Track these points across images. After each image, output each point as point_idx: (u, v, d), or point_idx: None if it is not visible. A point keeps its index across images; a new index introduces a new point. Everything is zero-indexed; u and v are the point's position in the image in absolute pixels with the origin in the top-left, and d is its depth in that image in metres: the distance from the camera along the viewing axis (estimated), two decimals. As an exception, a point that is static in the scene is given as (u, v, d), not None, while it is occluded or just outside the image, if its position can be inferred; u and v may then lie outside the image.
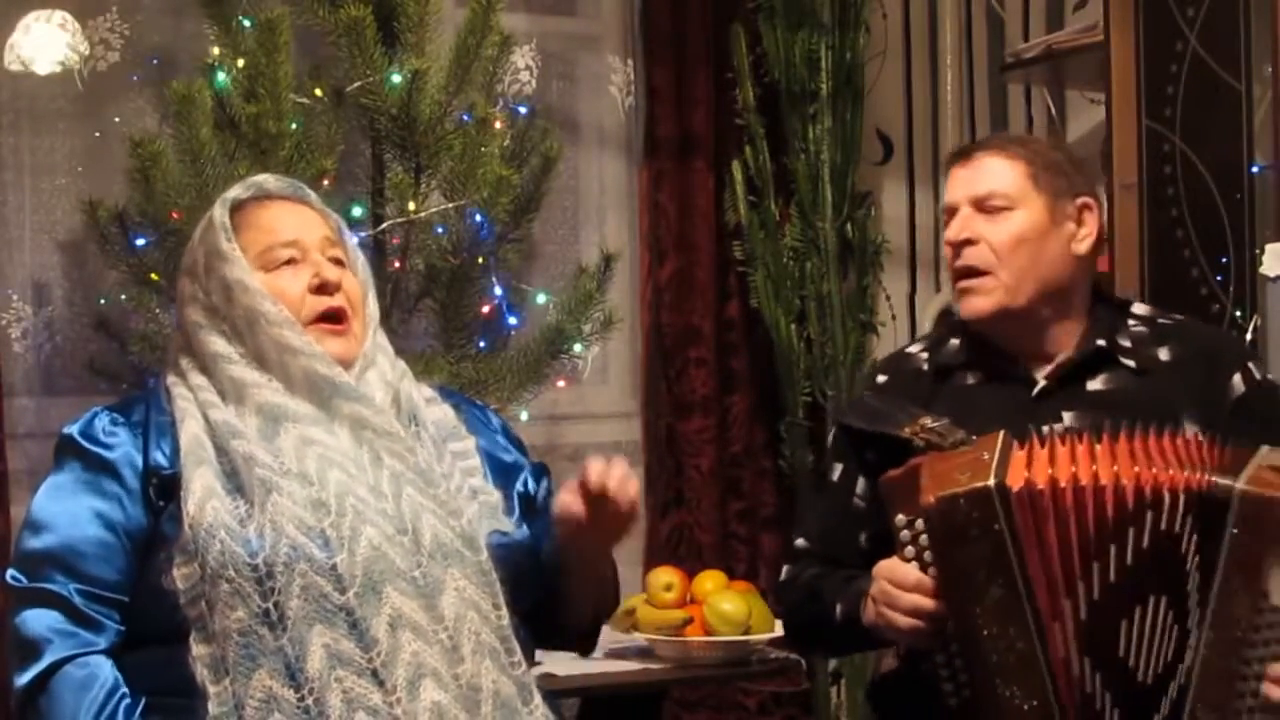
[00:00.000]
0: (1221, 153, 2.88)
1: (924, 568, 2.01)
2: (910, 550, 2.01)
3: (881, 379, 2.39)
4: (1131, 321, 2.29)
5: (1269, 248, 2.71)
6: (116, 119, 3.46)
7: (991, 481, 1.95)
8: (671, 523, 3.93)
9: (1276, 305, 2.69)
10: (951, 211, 2.29)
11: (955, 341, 2.34)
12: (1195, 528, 1.92)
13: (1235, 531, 1.89)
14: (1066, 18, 3.65)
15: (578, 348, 3.36)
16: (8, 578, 1.97)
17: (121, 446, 2.00)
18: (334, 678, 1.83)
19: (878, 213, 4.07)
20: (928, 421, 2.13)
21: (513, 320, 3.29)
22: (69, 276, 3.47)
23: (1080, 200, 2.29)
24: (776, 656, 2.97)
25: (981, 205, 2.26)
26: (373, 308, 2.11)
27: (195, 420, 1.98)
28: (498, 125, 3.23)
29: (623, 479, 1.99)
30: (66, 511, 1.97)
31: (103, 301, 3.36)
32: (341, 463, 1.95)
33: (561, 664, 2.76)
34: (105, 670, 1.91)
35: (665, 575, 2.96)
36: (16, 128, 3.46)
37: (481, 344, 3.25)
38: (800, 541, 2.39)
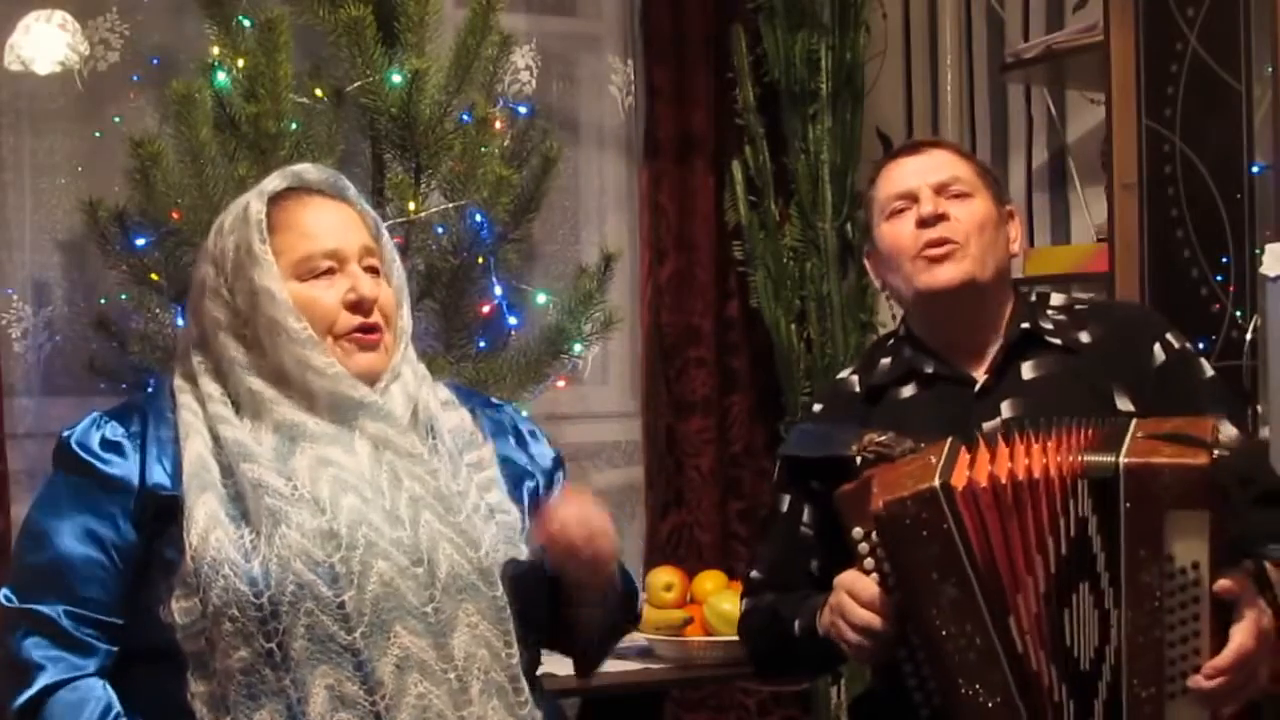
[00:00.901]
0: (1221, 153, 2.88)
1: (884, 578, 2.02)
2: (870, 562, 2.03)
3: (818, 407, 2.42)
4: (1050, 310, 2.34)
5: (1269, 248, 2.71)
6: (116, 119, 3.46)
7: (936, 482, 1.96)
8: (671, 523, 3.94)
9: (1276, 305, 2.69)
10: (909, 196, 2.31)
11: (885, 360, 2.37)
12: (1094, 509, 1.94)
13: (1128, 505, 1.91)
14: (1066, 18, 3.65)
15: (578, 348, 3.36)
16: (0, 597, 1.91)
17: (119, 462, 1.92)
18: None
19: (878, 213, 4.07)
20: (875, 436, 2.15)
21: (513, 320, 3.29)
22: (69, 276, 3.47)
23: (1008, 207, 2.38)
24: (776, 656, 2.97)
25: (943, 190, 2.30)
26: (406, 320, 2.05)
27: (200, 437, 1.91)
28: (498, 125, 3.23)
29: (579, 521, 1.93)
30: (58, 528, 1.90)
31: (103, 301, 3.36)
32: (357, 485, 1.88)
33: (562, 664, 2.76)
34: (98, 691, 1.86)
35: (665, 575, 2.97)
36: (16, 128, 3.46)
37: (481, 344, 3.25)
38: (754, 574, 2.41)
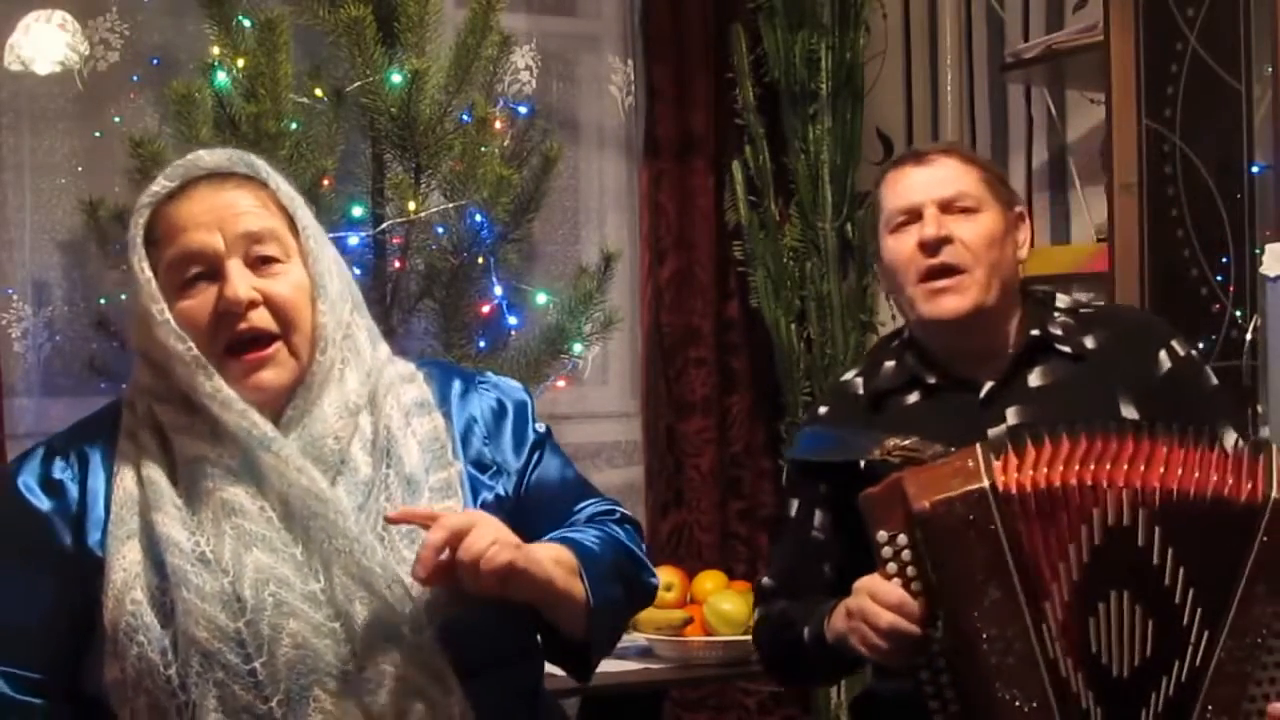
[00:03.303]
0: (1221, 153, 2.88)
1: (906, 584, 2.00)
2: (893, 566, 2.00)
3: (823, 410, 2.39)
4: (1056, 313, 2.31)
5: (1269, 248, 2.71)
6: (116, 119, 3.46)
7: (985, 483, 1.94)
8: (671, 523, 3.94)
9: (1276, 305, 2.69)
10: (913, 211, 2.27)
11: (890, 364, 2.34)
12: (1168, 527, 1.92)
13: (1265, 539, 1.89)
14: (1066, 18, 3.65)
15: (578, 348, 3.36)
16: None
17: (60, 513, 1.77)
18: None
19: (878, 213, 4.07)
20: (898, 440, 2.12)
21: (513, 320, 3.29)
22: (69, 276, 3.47)
23: (1018, 209, 2.35)
24: (776, 656, 2.97)
25: (949, 206, 2.26)
26: (334, 312, 1.79)
27: (130, 470, 1.76)
28: (498, 125, 3.23)
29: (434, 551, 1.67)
30: (3, 584, 1.77)
31: (103, 301, 3.36)
32: (264, 535, 1.71)
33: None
34: None
35: (665, 575, 2.97)
36: (16, 128, 3.46)
37: (481, 344, 3.25)
38: (766, 581, 2.39)
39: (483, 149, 3.17)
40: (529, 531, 1.81)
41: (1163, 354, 2.26)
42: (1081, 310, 2.34)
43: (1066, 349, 2.27)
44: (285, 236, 1.78)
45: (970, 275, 2.24)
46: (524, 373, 3.25)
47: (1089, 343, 2.28)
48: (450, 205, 3.16)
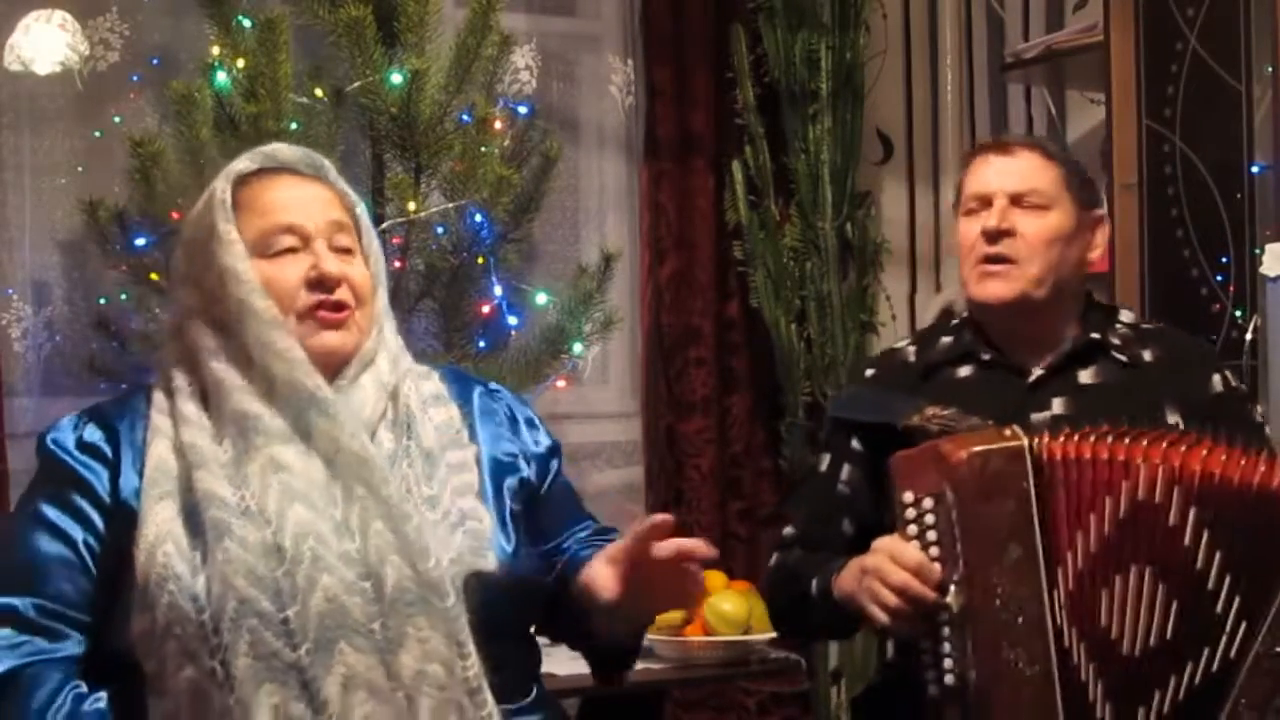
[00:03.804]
0: (1221, 153, 2.88)
1: (924, 548, 2.02)
2: (913, 529, 2.04)
3: (870, 372, 2.45)
4: (1119, 325, 2.37)
5: (1269, 248, 2.71)
6: (116, 119, 3.46)
7: (1025, 442, 2.00)
8: (671, 523, 3.93)
9: (1276, 305, 2.69)
10: (984, 199, 2.34)
11: (946, 339, 2.40)
12: (1206, 511, 1.93)
13: None
14: (1066, 18, 3.65)
15: (578, 348, 3.36)
16: None
17: (95, 467, 1.89)
18: None
19: (878, 213, 4.07)
20: (938, 410, 2.17)
21: (513, 320, 3.28)
22: (69, 276, 3.47)
23: (1098, 213, 2.40)
24: (776, 656, 2.97)
25: (1019, 200, 2.33)
26: (381, 304, 1.98)
27: (166, 440, 1.87)
28: (498, 125, 3.23)
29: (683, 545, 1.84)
30: (31, 528, 1.87)
31: (103, 301, 3.36)
32: (307, 493, 1.82)
33: (561, 664, 2.75)
34: (58, 668, 1.80)
35: (665, 575, 2.96)
36: (16, 128, 3.45)
37: (481, 344, 3.25)
38: (787, 530, 2.44)
39: (483, 149, 3.17)
40: (536, 529, 2.01)
41: (1216, 377, 2.32)
42: (1143, 326, 2.40)
43: (1122, 357, 2.32)
44: (353, 233, 1.97)
45: (1021, 268, 2.30)
46: (524, 373, 3.25)
47: (1146, 355, 2.33)
48: (450, 205, 3.16)
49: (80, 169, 3.48)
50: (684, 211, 3.95)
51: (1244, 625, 1.92)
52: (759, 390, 4.01)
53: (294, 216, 1.91)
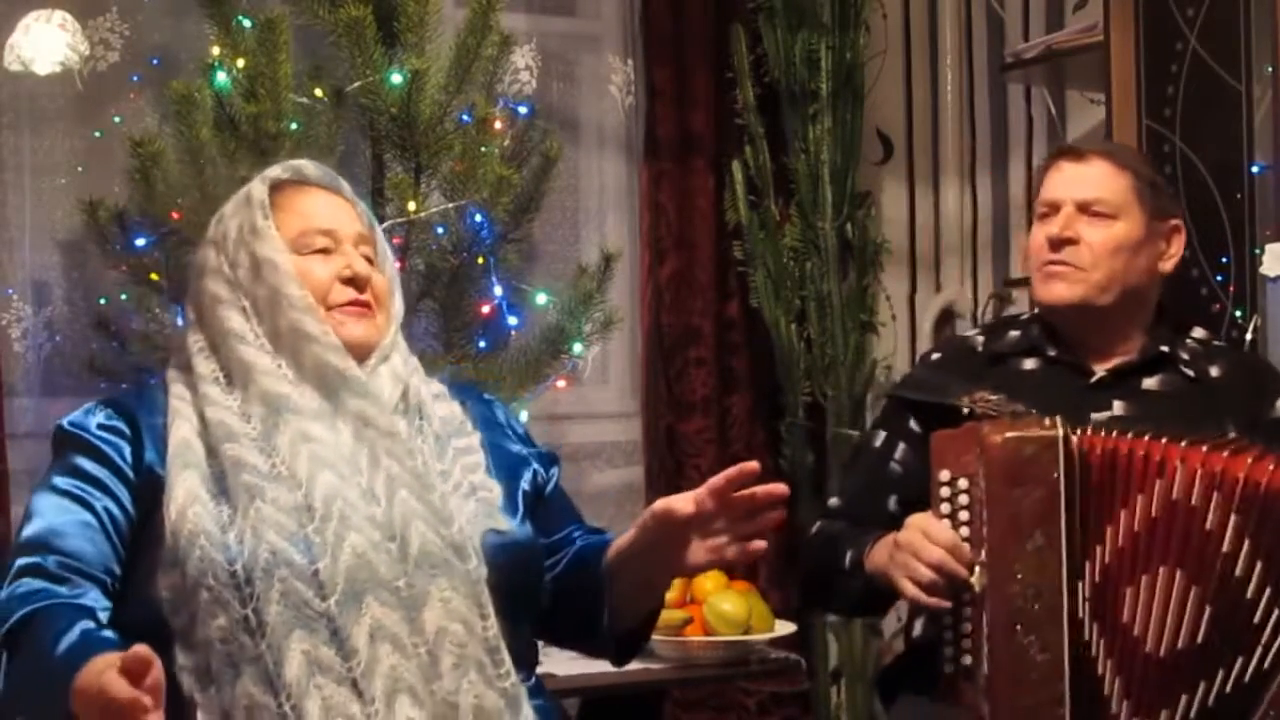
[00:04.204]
0: (1221, 153, 2.88)
1: (955, 527, 2.04)
2: (945, 507, 2.07)
3: (935, 356, 2.50)
4: (1190, 340, 2.40)
5: (1269, 248, 2.71)
6: (116, 119, 3.46)
7: (1060, 432, 2.02)
8: (671, 523, 3.93)
9: (1276, 305, 2.69)
10: (1053, 206, 2.38)
11: (1014, 333, 2.44)
12: (1248, 518, 1.93)
13: None
14: (1066, 18, 3.65)
15: (578, 348, 3.35)
16: None
17: (115, 442, 1.98)
18: (313, 685, 1.80)
19: (878, 213, 4.07)
20: (987, 395, 2.21)
21: (513, 320, 3.28)
22: (69, 276, 3.47)
23: (1173, 221, 2.44)
24: (776, 656, 2.98)
25: (1086, 208, 2.36)
26: (398, 306, 2.12)
27: (188, 422, 1.96)
28: (498, 125, 3.23)
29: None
30: (52, 500, 1.94)
31: (103, 301, 3.35)
32: (335, 463, 1.92)
33: (561, 664, 2.76)
34: (74, 611, 1.82)
35: (665, 575, 2.96)
36: (16, 128, 3.45)
37: (481, 344, 3.25)
38: (833, 501, 2.49)
39: (483, 149, 3.16)
40: (539, 525, 2.12)
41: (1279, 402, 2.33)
42: (1215, 344, 2.43)
43: (1189, 371, 2.34)
44: (373, 245, 2.12)
45: (1086, 273, 2.34)
46: (524, 373, 3.25)
47: (1213, 371, 2.35)
48: (450, 205, 3.16)
49: (80, 169, 3.48)
50: (684, 211, 3.95)
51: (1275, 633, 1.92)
52: (759, 390, 4.01)
53: (328, 222, 2.07)
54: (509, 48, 3.28)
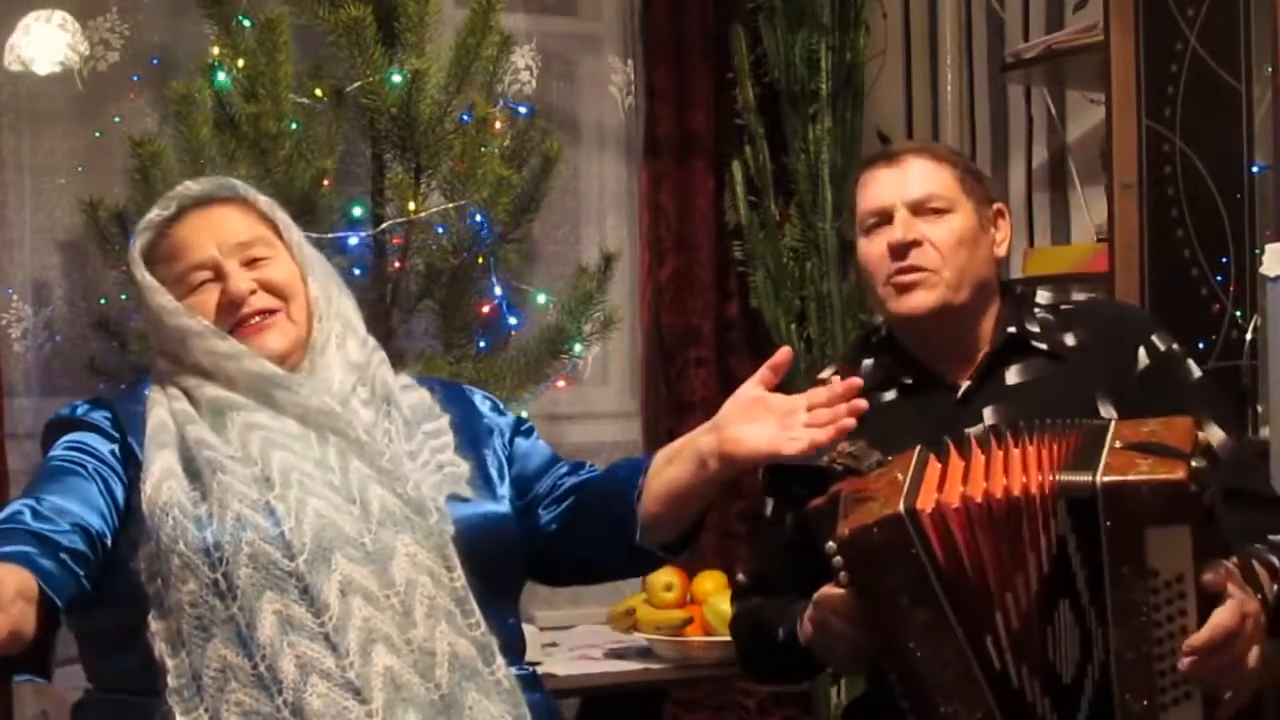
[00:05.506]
0: (1221, 153, 2.88)
1: (855, 596, 2.00)
2: (844, 576, 1.99)
3: None
4: (1036, 310, 2.32)
5: (1269, 248, 2.71)
6: (116, 119, 3.46)
7: (901, 508, 1.92)
8: (671, 523, 3.93)
9: (1276, 305, 2.69)
10: (883, 213, 2.29)
11: (868, 362, 2.36)
12: (1074, 528, 1.91)
13: (1109, 525, 1.87)
14: (1066, 18, 3.65)
15: (578, 348, 3.36)
16: None
17: (101, 423, 2.03)
18: (286, 643, 1.82)
19: (878, 213, 4.07)
20: (846, 446, 2.11)
21: (513, 320, 3.29)
22: (69, 276, 3.47)
23: (996, 206, 2.35)
24: (776, 656, 2.97)
25: (919, 208, 2.28)
26: (320, 292, 2.11)
27: (163, 408, 2.02)
28: (498, 125, 3.23)
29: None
30: (48, 468, 1.97)
31: (103, 301, 3.36)
32: (286, 444, 1.96)
33: (561, 664, 2.76)
34: (29, 533, 1.82)
35: (665, 575, 2.97)
36: (16, 128, 3.45)
37: (481, 344, 3.25)
38: (741, 578, 2.42)
39: (483, 149, 3.17)
40: (519, 480, 2.19)
41: (1141, 350, 2.26)
42: (1062, 307, 2.34)
43: (1043, 346, 2.28)
44: (271, 238, 2.11)
45: (938, 274, 2.25)
46: (524, 373, 3.25)
47: (1068, 340, 2.28)
48: (450, 205, 3.16)
49: (80, 169, 3.48)
50: (684, 212, 3.95)
51: (1101, 628, 1.91)
52: (759, 390, 4.01)
53: (200, 253, 2.07)
54: (509, 48, 3.29)
